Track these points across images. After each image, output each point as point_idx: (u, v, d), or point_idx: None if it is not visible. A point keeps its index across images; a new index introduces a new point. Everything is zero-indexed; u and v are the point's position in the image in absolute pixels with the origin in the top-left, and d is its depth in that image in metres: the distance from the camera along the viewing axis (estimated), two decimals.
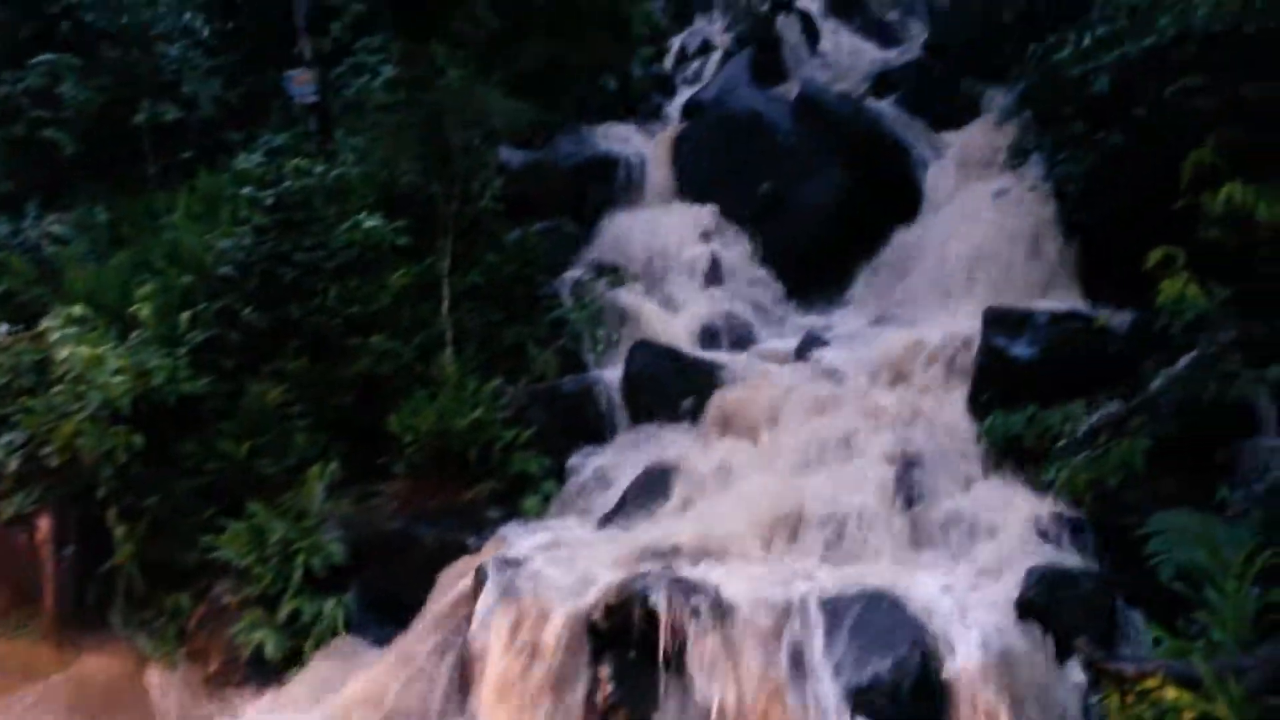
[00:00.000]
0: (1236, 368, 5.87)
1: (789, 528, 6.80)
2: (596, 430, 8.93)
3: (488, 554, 7.21)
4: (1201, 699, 4.32)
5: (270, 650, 7.15)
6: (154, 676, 7.64)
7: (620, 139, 12.75)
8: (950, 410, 7.51)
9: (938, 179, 10.63)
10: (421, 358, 9.38)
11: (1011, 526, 6.30)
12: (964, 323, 8.06)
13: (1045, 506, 6.34)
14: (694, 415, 8.49)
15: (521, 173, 11.39)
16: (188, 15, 13.71)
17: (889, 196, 10.65)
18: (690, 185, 11.89)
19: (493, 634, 6.39)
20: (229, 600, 7.66)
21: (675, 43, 16.07)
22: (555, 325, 10.07)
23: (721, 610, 5.88)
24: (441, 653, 6.73)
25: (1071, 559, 5.97)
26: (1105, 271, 8.15)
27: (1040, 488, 6.53)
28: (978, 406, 7.37)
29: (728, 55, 14.71)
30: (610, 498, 7.98)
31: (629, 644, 5.97)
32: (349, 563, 7.75)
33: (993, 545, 6.24)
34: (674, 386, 8.79)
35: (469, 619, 6.73)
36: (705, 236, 11.07)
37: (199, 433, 8.61)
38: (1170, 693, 4.40)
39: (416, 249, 10.09)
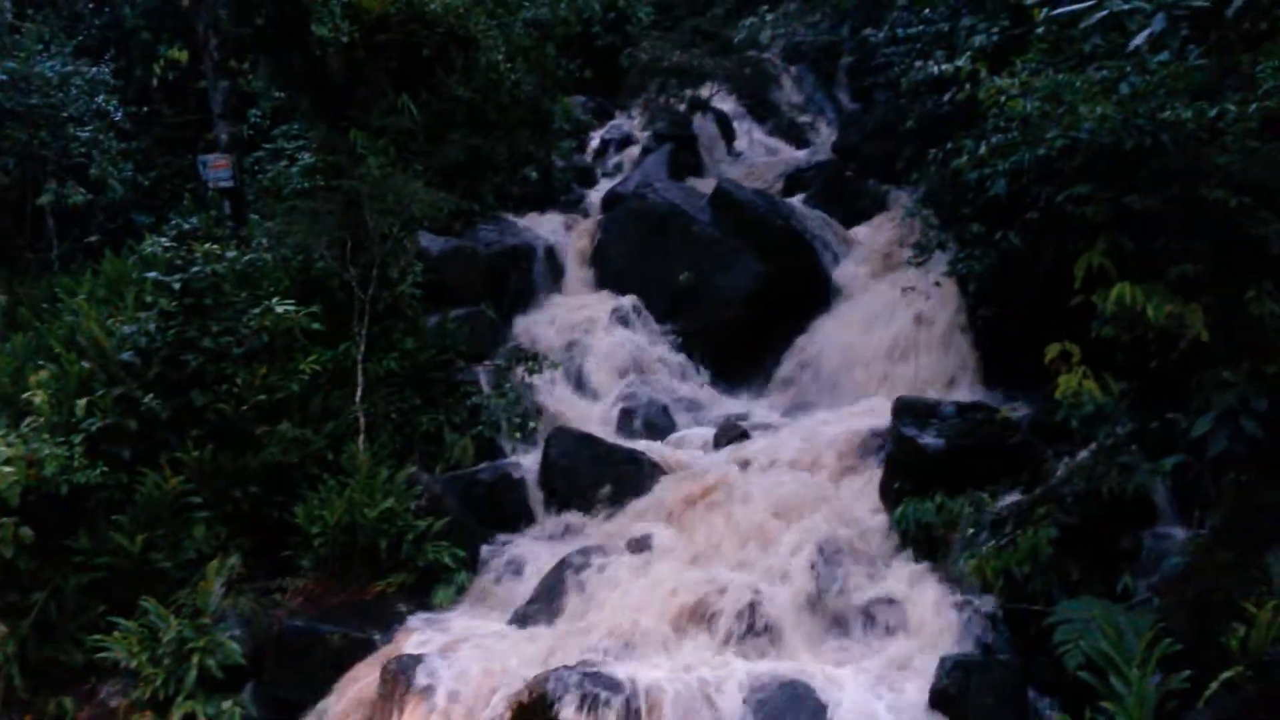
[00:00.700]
0: (1134, 460, 6.11)
1: (704, 619, 6.74)
2: (513, 519, 8.83)
3: (396, 651, 6.96)
4: None
5: None
6: None
7: (541, 228, 12.93)
8: (863, 499, 7.64)
9: (848, 273, 11.03)
10: (332, 446, 9.14)
11: (924, 615, 6.38)
12: (876, 412, 8.26)
13: (957, 595, 6.44)
14: (611, 503, 8.46)
15: (441, 259, 11.39)
16: (101, 98, 13.50)
17: (803, 288, 11.00)
18: (610, 274, 12.08)
19: None
20: (117, 703, 7.20)
21: (596, 137, 16.51)
22: (473, 411, 9.96)
23: (636, 707, 5.76)
24: None
25: (984, 648, 6.04)
26: (1008, 364, 8.49)
27: (951, 576, 6.63)
28: (889, 495, 7.51)
29: (646, 150, 15.17)
30: (525, 589, 7.83)
31: None
32: (248, 663, 7.36)
33: (905, 634, 6.29)
34: (592, 475, 8.76)
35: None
36: (624, 324, 11.19)
37: (91, 526, 8.17)
38: None
39: (331, 334, 9.92)
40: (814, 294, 10.94)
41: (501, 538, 8.58)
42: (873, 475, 7.79)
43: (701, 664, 6.27)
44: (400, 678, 6.47)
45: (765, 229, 11.50)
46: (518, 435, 9.89)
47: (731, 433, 9.19)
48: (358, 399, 9.40)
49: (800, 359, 10.37)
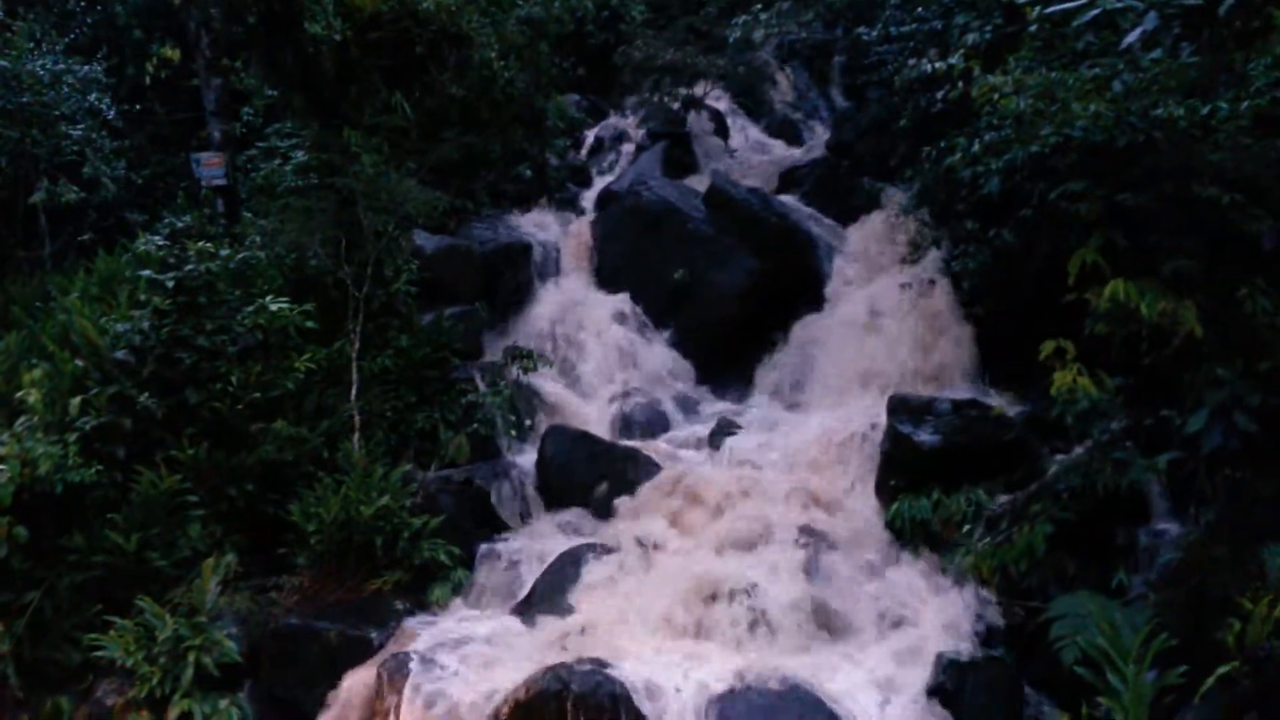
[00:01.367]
0: (1129, 455, 6.14)
1: (702, 616, 6.75)
2: (509, 516, 8.80)
3: (393, 649, 6.97)
4: None
5: None
6: None
7: (535, 226, 12.90)
8: (858, 496, 7.66)
9: (842, 270, 11.03)
10: (328, 443, 9.13)
11: (920, 612, 6.40)
12: (870, 409, 8.28)
13: (953, 591, 6.45)
14: (607, 501, 8.45)
15: (436, 257, 11.36)
16: (93, 96, 13.45)
17: (797, 285, 11.00)
18: (605, 272, 12.07)
19: None
20: (114, 702, 7.16)
21: (590, 135, 16.47)
22: (469, 410, 9.95)
23: (633, 704, 5.77)
24: None
25: (980, 644, 6.07)
26: (1002, 361, 8.51)
27: (947, 572, 6.66)
28: (885, 492, 7.53)
29: (641, 148, 15.15)
30: (522, 586, 7.84)
31: None
32: (245, 661, 7.35)
33: (902, 631, 6.31)
34: (588, 473, 8.77)
35: (374, 717, 6.45)
36: (619, 322, 11.18)
37: (86, 524, 8.14)
38: None
39: (325, 332, 9.91)
40: (808, 291, 10.94)
41: (498, 535, 8.57)
42: (868, 472, 7.81)
43: (699, 660, 6.28)
44: (397, 676, 6.47)
45: (759, 226, 11.50)
46: (513, 433, 9.88)
47: (726, 430, 9.20)
48: (353, 397, 9.38)
49: (795, 356, 10.37)
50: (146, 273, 9.36)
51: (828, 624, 6.60)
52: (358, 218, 9.87)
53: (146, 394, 8.65)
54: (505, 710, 5.96)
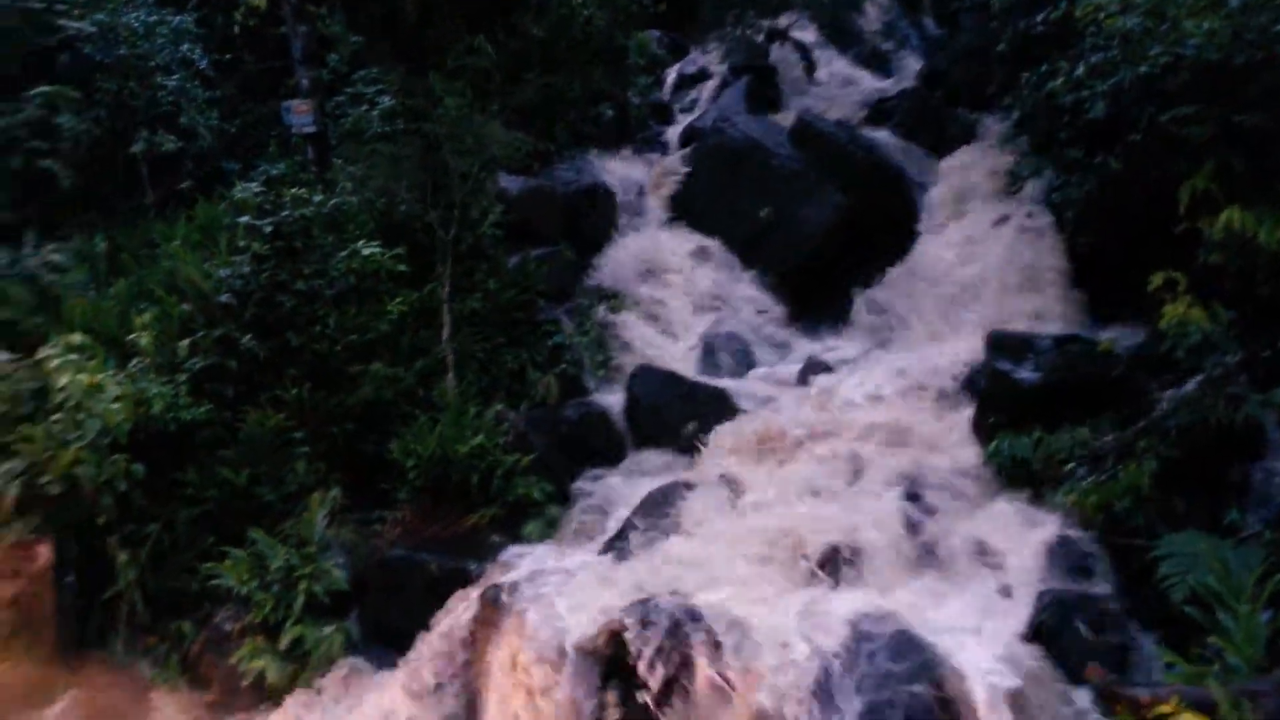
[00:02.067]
0: (1243, 390, 5.89)
1: (794, 554, 6.74)
2: (598, 456, 8.91)
3: (490, 581, 7.16)
4: None
5: (272, 676, 7.08)
6: (157, 701, 7.56)
7: (618, 166, 12.82)
8: (956, 435, 7.52)
9: (936, 204, 10.72)
10: (422, 384, 9.36)
11: (1021, 551, 6.29)
12: (967, 347, 8.09)
13: (1055, 530, 6.32)
14: (696, 440, 8.48)
15: (520, 199, 11.41)
16: (185, 47, 13.74)
17: (888, 221, 10.74)
18: (689, 211, 11.96)
19: (497, 661, 6.34)
20: (231, 627, 7.59)
21: (672, 72, 16.22)
22: (556, 350, 10.06)
23: (726, 639, 5.82)
24: (446, 680, 6.69)
25: (1083, 583, 5.95)
26: (1107, 295, 8.21)
27: (1049, 511, 6.52)
28: (983, 430, 7.37)
29: (724, 84, 14.86)
30: (612, 523, 7.94)
31: (633, 672, 5.90)
32: (351, 590, 7.68)
33: (1002, 570, 6.21)
34: (676, 412, 8.79)
35: (472, 646, 6.68)
36: (704, 261, 11.10)
37: (198, 461, 8.55)
38: (1185, 719, 4.37)
39: (415, 276, 10.10)
40: (900, 227, 10.68)
41: (588, 474, 8.68)
42: (965, 411, 7.65)
43: (790, 598, 6.29)
44: (495, 606, 6.66)
45: (848, 161, 11.23)
46: (600, 373, 9.98)
47: (816, 369, 9.11)
48: (444, 339, 9.57)
49: (886, 293, 10.16)
50: (244, 219, 9.64)
51: (924, 562, 6.53)
52: (443, 161, 9.95)
53: (249, 336, 8.97)
54: (598, 641, 6.08)
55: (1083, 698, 5.31)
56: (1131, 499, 6.00)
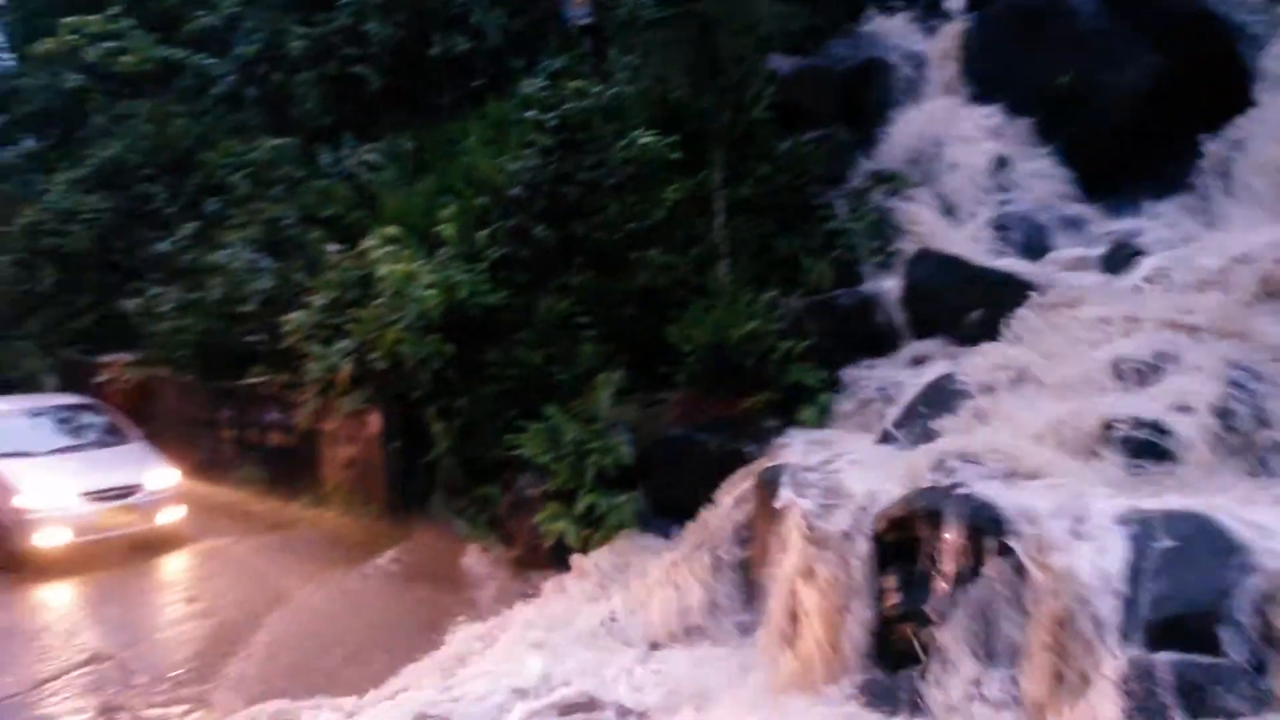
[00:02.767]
0: None
1: (1090, 447, 6.33)
2: (874, 343, 8.74)
3: (767, 463, 7.33)
4: None
5: (570, 539, 7.74)
6: (470, 555, 8.50)
7: (898, 38, 12.06)
8: None
9: (1278, 61, 9.23)
10: (697, 270, 9.57)
11: None
12: None
13: None
14: (982, 329, 8.06)
15: (793, 80, 11.10)
16: None
17: (1214, 84, 9.39)
18: (977, 82, 11.07)
19: (775, 542, 6.54)
20: (531, 493, 8.33)
21: None
22: (830, 236, 9.89)
23: (1013, 528, 5.63)
24: (726, 554, 6.98)
25: None
26: None
27: None
28: None
29: None
30: (890, 411, 7.82)
31: (915, 557, 5.89)
32: (635, 465, 8.17)
33: None
34: (959, 298, 8.38)
35: (750, 526, 6.92)
36: (995, 136, 10.31)
37: (499, 342, 9.32)
38: None
39: (689, 163, 10.21)
40: (1229, 89, 9.30)
41: (864, 362, 8.56)
42: None
43: (1086, 494, 5.95)
44: (774, 487, 6.80)
45: (1165, 15, 9.89)
46: (876, 259, 9.69)
47: (1122, 251, 8.30)
48: (717, 225, 9.67)
49: (1210, 167, 8.94)
50: (531, 113, 10.13)
51: (1243, 461, 5.92)
52: (716, 45, 9.86)
53: (540, 226, 9.54)
54: (878, 527, 6.09)
55: None
56: None
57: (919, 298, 8.73)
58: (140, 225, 16.79)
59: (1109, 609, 5.03)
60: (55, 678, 6.56)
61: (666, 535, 7.76)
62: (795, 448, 7.52)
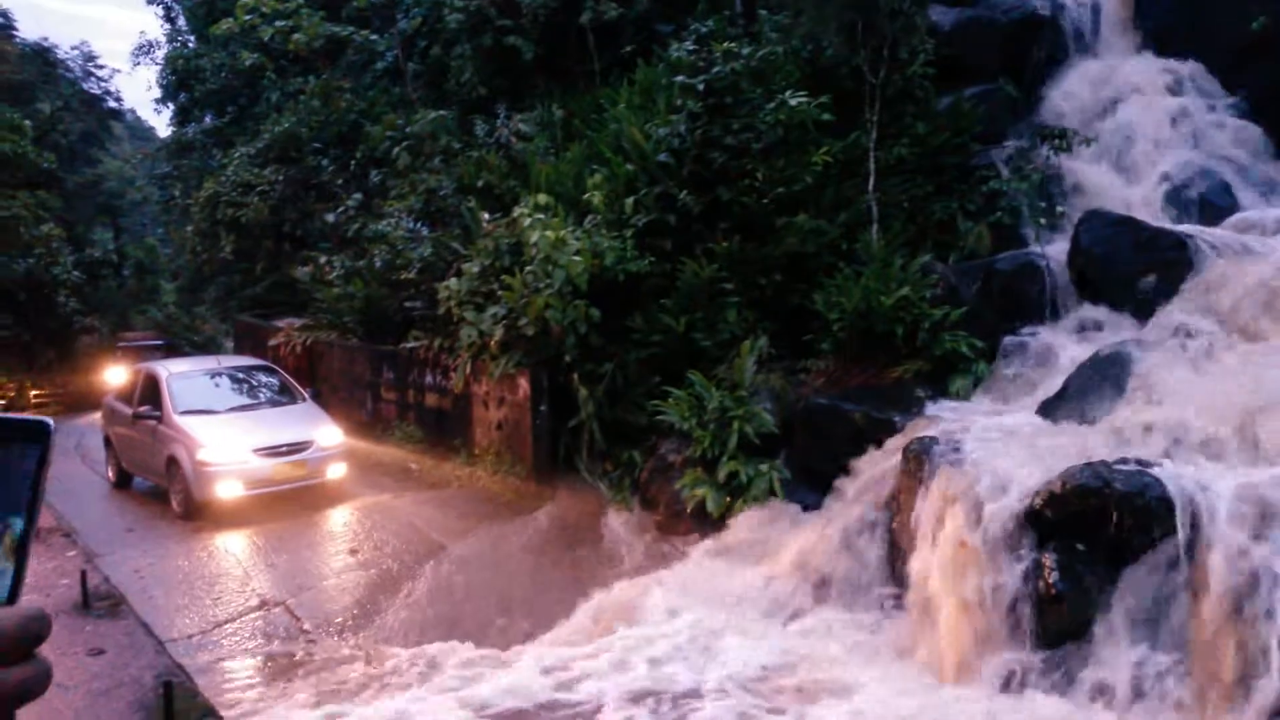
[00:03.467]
0: None
1: (1276, 426, 5.84)
2: (1035, 310, 8.32)
3: (915, 433, 7.10)
4: None
5: (711, 505, 7.74)
6: (613, 518, 8.64)
7: None
8: None
9: None
10: (846, 235, 9.32)
11: None
12: None
13: None
14: (1157, 295, 7.54)
15: (953, 34, 10.59)
16: None
17: None
18: (1155, 31, 10.30)
19: (924, 513, 6.34)
20: (674, 458, 8.37)
21: None
22: (990, 198, 9.43)
23: (1187, 509, 5.26)
24: (870, 523, 6.83)
25: None
26: None
27: None
28: None
29: None
30: (1051, 382, 7.43)
31: (1077, 536, 5.59)
32: (779, 432, 8.07)
33: None
34: (1131, 263, 7.85)
35: (899, 494, 6.74)
36: (1174, 89, 9.56)
37: (644, 308, 9.38)
38: None
39: (840, 124, 9.93)
40: None
41: (1023, 330, 8.15)
42: None
43: (1268, 472, 5.49)
44: (923, 458, 6.59)
45: None
46: (1041, 221, 9.17)
47: None
48: (869, 188, 9.37)
49: None
50: (679, 78, 10.06)
51: None
52: None
53: (686, 192, 9.49)
54: (1037, 502, 5.80)
55: None
56: None
57: (1087, 261, 8.22)
58: (310, 196, 17.79)
59: None
60: (230, 620, 7.08)
61: (809, 504, 7.65)
62: (947, 418, 7.26)
